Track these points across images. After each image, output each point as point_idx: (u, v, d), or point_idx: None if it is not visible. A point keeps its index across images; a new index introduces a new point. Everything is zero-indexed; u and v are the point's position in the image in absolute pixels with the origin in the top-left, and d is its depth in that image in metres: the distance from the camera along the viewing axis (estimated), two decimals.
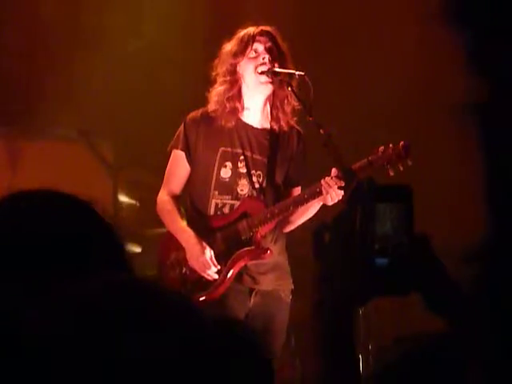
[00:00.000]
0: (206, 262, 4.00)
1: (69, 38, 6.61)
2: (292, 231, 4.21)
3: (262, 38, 4.03)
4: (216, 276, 4.01)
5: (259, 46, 4.03)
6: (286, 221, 4.13)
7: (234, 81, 4.04)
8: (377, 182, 1.25)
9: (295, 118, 4.10)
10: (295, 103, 4.03)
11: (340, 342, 1.21)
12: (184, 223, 4.09)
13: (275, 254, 4.08)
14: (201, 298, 4.00)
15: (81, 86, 6.56)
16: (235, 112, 4.05)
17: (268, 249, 4.02)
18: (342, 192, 3.84)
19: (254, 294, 4.04)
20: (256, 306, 4.03)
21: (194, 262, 4.03)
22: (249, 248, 4.03)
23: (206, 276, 4.02)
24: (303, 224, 4.17)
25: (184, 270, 4.08)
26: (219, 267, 4.01)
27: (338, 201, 3.86)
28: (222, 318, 1.19)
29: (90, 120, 6.64)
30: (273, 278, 4.07)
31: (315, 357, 1.22)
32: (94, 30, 6.52)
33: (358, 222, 1.22)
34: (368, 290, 1.22)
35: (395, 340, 1.28)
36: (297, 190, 4.13)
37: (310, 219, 4.11)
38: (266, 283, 4.06)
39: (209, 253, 4.01)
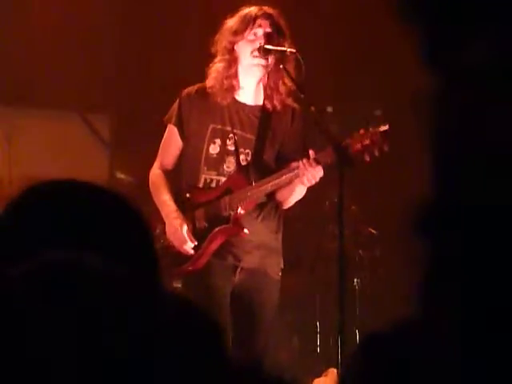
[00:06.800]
0: (182, 236, 4.03)
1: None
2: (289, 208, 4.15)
3: (263, 22, 4.00)
4: (192, 252, 4.03)
5: (259, 30, 4.00)
6: (277, 200, 4.10)
7: (233, 60, 4.03)
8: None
9: (290, 98, 4.08)
10: (290, 83, 4.01)
11: None
12: (168, 197, 4.12)
13: (261, 232, 4.06)
14: (190, 268, 4.02)
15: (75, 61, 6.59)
16: (232, 90, 4.06)
17: (243, 227, 4.00)
18: (319, 174, 3.81)
19: (238, 270, 4.04)
20: (241, 281, 4.03)
21: (171, 236, 4.07)
22: (226, 226, 4.03)
23: (182, 250, 4.05)
24: (300, 201, 4.13)
25: (166, 243, 4.09)
26: (196, 243, 4.03)
27: (315, 183, 3.85)
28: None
29: (87, 96, 6.67)
30: (257, 256, 4.05)
31: None
32: None
33: None
34: None
35: None
36: None
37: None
38: (250, 261, 4.04)
39: (185, 228, 4.03)
